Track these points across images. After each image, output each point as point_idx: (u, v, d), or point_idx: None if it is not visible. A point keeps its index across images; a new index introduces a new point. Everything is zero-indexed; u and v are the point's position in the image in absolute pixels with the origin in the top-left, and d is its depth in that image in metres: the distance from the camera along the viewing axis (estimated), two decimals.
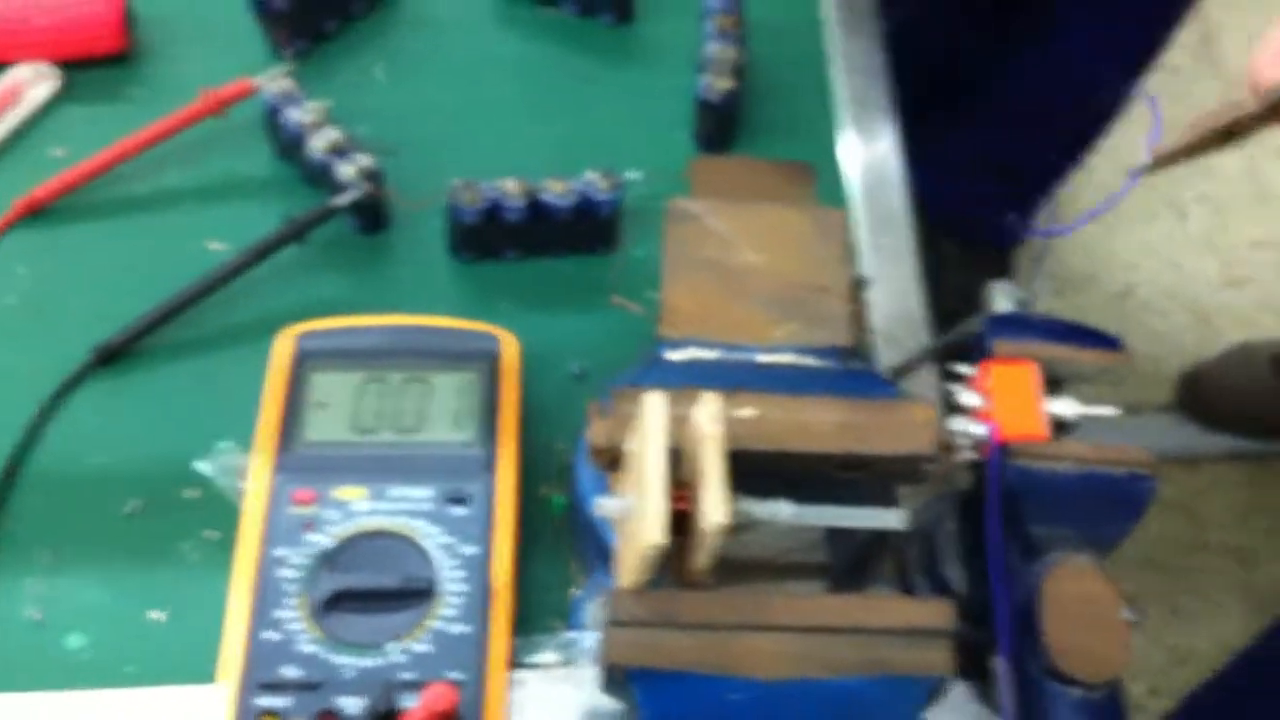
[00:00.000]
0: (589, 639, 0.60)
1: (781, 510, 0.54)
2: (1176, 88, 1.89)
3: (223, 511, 0.64)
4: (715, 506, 0.50)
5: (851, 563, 0.62)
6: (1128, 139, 1.82)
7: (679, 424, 0.54)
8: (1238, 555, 1.51)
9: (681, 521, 0.53)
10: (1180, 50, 1.91)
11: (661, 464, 0.51)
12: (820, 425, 0.57)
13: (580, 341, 0.72)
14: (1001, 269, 1.53)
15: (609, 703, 0.59)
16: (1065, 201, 1.75)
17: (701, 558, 0.52)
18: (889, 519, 0.55)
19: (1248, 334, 1.61)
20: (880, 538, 0.64)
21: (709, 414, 0.52)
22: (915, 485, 0.62)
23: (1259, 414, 1.53)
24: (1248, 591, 1.48)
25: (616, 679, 0.52)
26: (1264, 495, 1.55)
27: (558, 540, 0.65)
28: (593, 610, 0.60)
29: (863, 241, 0.78)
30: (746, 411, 0.56)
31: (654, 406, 0.52)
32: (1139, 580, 1.46)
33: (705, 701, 0.51)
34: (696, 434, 0.53)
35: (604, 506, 0.54)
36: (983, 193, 1.54)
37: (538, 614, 0.63)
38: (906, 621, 0.53)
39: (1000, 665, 0.57)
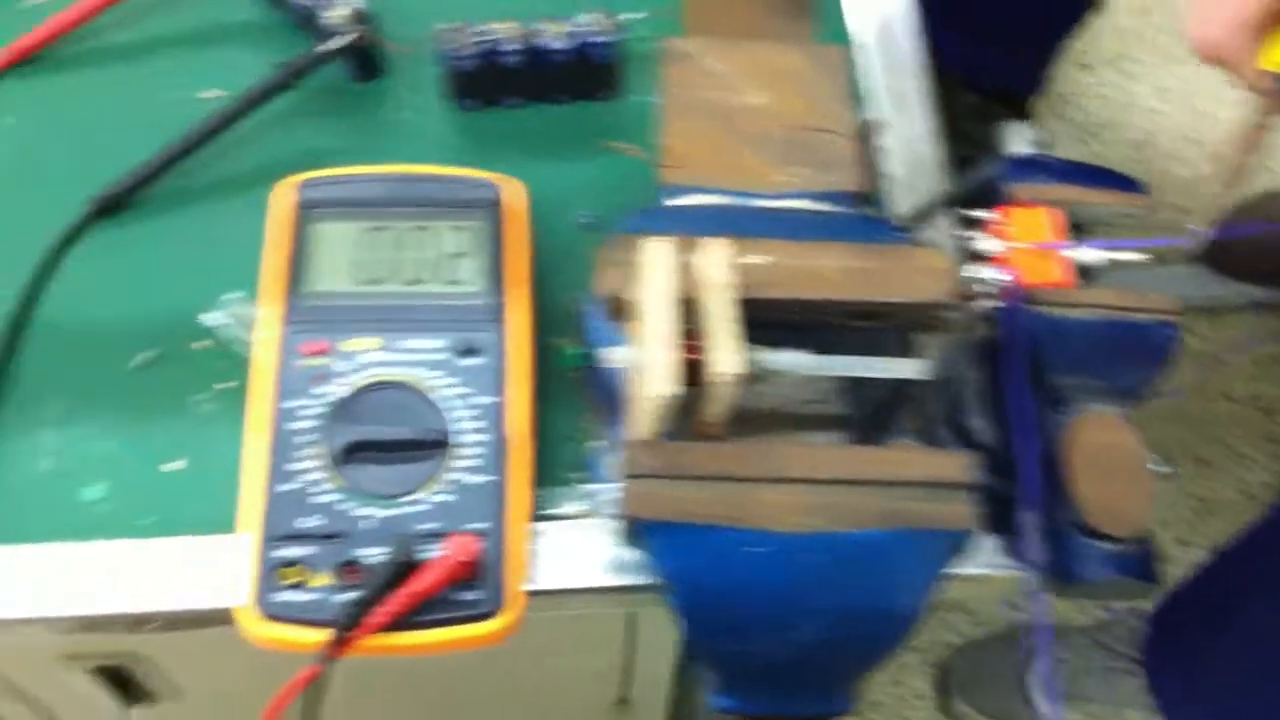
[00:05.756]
0: (608, 490, 0.59)
1: (801, 361, 0.52)
2: None
3: (234, 362, 0.63)
4: (727, 356, 0.49)
5: (872, 415, 0.61)
6: None
7: (684, 272, 0.52)
8: (1262, 405, 1.50)
9: (693, 372, 0.51)
10: None
11: (667, 314, 0.49)
12: (834, 272, 0.55)
13: (587, 190, 0.69)
14: (1020, 118, 1.50)
15: (629, 553, 0.59)
16: (1086, 48, 1.69)
17: (715, 409, 0.51)
18: (910, 369, 0.54)
19: (1270, 182, 1.58)
20: (899, 390, 0.63)
21: (716, 260, 0.51)
22: (933, 334, 0.60)
23: None
24: (1272, 441, 1.48)
25: (634, 532, 0.52)
26: None
27: (575, 393, 0.64)
28: (611, 462, 0.60)
29: (877, 86, 0.75)
30: (756, 258, 0.55)
31: (657, 254, 0.51)
32: (1164, 431, 1.46)
33: (723, 554, 0.51)
34: (704, 282, 0.52)
35: (613, 356, 0.53)
36: (996, 44, 1.49)
37: (557, 466, 0.62)
38: (925, 474, 0.52)
39: (1026, 518, 0.56)
